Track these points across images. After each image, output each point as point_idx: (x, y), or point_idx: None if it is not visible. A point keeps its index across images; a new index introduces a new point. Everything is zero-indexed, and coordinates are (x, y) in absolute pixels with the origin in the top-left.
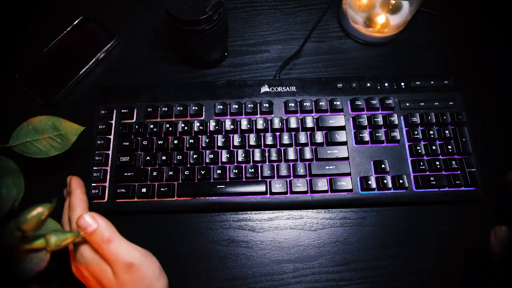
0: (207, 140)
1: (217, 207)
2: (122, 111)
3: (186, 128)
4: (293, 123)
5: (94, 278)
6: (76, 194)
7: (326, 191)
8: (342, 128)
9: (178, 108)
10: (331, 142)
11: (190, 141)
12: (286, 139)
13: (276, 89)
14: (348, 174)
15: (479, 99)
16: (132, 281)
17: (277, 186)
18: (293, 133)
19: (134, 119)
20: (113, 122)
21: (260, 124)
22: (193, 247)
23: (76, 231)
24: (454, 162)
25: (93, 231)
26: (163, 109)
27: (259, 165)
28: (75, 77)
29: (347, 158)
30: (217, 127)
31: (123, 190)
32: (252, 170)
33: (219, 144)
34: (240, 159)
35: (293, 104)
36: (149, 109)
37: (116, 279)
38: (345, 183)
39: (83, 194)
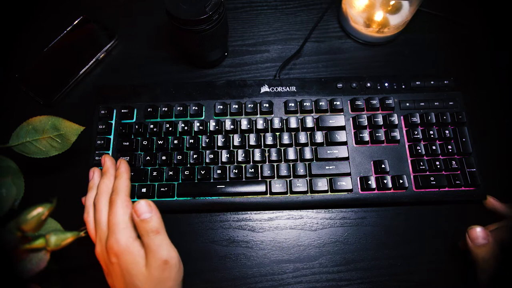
0: (207, 140)
1: (217, 207)
2: (122, 111)
3: (186, 128)
4: (293, 123)
5: (122, 265)
6: (124, 179)
7: (326, 191)
8: (342, 128)
9: (178, 108)
10: (331, 142)
11: (190, 141)
12: (286, 139)
13: (276, 89)
14: (348, 174)
15: (479, 99)
16: (160, 278)
17: (277, 186)
18: (293, 133)
19: (134, 119)
20: (113, 122)
21: (260, 124)
22: (193, 247)
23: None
24: (454, 162)
25: (146, 219)
26: (163, 109)
27: (259, 165)
28: (75, 77)
29: (347, 158)
30: (217, 127)
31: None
32: (252, 170)
33: (219, 144)
34: (240, 159)
35: (293, 104)
36: (149, 109)
37: (147, 271)
38: (345, 183)
39: (129, 180)
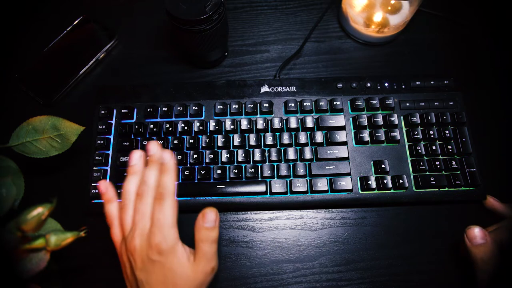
0: (207, 140)
1: (217, 207)
2: (122, 111)
3: (186, 128)
4: (293, 123)
5: (167, 264)
6: (172, 176)
7: (326, 191)
8: (342, 128)
9: (178, 108)
10: (331, 142)
11: (190, 141)
12: (286, 139)
13: (276, 89)
14: (348, 174)
15: (479, 99)
16: (202, 282)
17: (277, 186)
18: (293, 133)
19: (134, 119)
20: (113, 122)
21: (260, 124)
22: (193, 247)
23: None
24: (454, 162)
25: (211, 228)
26: (163, 109)
27: (259, 165)
28: (75, 77)
29: (347, 158)
30: (217, 127)
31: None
32: (252, 170)
33: (219, 144)
34: (240, 159)
35: (293, 104)
36: (149, 109)
37: (193, 273)
38: (345, 183)
39: (176, 177)
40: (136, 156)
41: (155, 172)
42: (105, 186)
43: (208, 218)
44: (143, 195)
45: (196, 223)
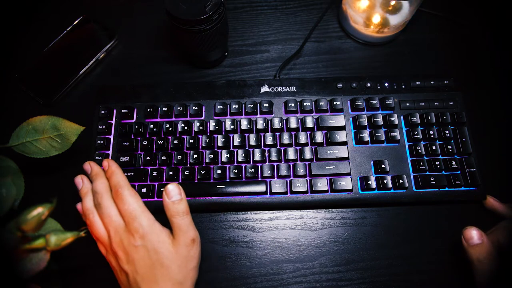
0: (207, 140)
1: (217, 207)
2: (122, 111)
3: (186, 128)
4: (293, 123)
5: (149, 245)
6: (120, 174)
7: (326, 191)
8: (342, 128)
9: (178, 108)
10: (331, 142)
11: (190, 141)
12: (286, 139)
13: (276, 89)
14: (348, 174)
15: (479, 99)
16: (187, 256)
17: (277, 186)
18: (293, 133)
19: (134, 119)
20: (113, 122)
21: (260, 124)
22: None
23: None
24: (454, 162)
25: (177, 200)
26: (163, 109)
27: (259, 165)
28: (75, 77)
29: (347, 158)
30: (217, 127)
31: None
32: (252, 170)
33: (219, 144)
34: (240, 159)
35: (293, 104)
36: (149, 109)
37: (174, 249)
38: (345, 183)
39: (124, 175)
40: (79, 180)
41: (101, 180)
42: (80, 209)
43: (172, 192)
44: (100, 201)
45: (163, 202)
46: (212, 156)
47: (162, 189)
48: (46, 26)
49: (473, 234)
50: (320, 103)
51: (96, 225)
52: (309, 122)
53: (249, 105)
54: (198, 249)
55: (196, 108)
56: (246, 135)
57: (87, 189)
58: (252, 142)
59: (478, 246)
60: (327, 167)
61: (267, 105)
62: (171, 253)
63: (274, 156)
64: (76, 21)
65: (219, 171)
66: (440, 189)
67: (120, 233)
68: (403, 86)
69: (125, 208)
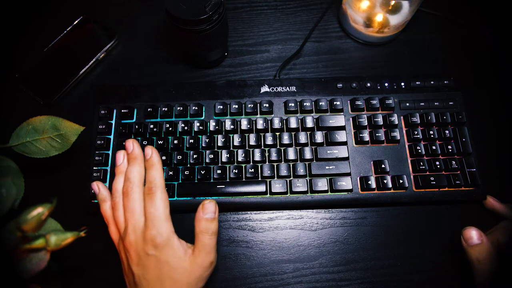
0: (207, 140)
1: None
2: (122, 111)
3: (186, 128)
4: (293, 123)
5: (162, 258)
6: (160, 170)
7: (326, 191)
8: (342, 128)
9: (178, 108)
10: (331, 142)
11: (190, 141)
12: (286, 139)
13: (276, 89)
14: (348, 174)
15: (479, 99)
16: (200, 277)
17: (277, 186)
18: (293, 133)
19: (134, 119)
20: (113, 122)
21: (260, 124)
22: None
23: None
24: (454, 162)
25: (211, 219)
26: (163, 109)
27: (259, 165)
28: (75, 77)
29: (347, 158)
30: (217, 127)
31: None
32: (252, 170)
33: (219, 144)
34: (240, 159)
35: (293, 104)
36: (149, 109)
37: (190, 266)
38: (345, 183)
39: (163, 171)
40: (121, 156)
41: (137, 168)
42: (97, 187)
43: (208, 209)
44: (129, 192)
45: (196, 215)
46: (212, 156)
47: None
48: (46, 26)
49: (473, 234)
50: (320, 103)
51: (118, 212)
52: (309, 122)
53: (249, 105)
54: (211, 272)
55: (196, 108)
56: (246, 135)
57: (123, 168)
58: (252, 142)
59: (477, 246)
60: (327, 167)
61: (267, 105)
62: (185, 270)
63: (274, 156)
64: (76, 21)
65: (219, 171)
66: (440, 189)
67: (137, 234)
68: (403, 86)
69: (151, 211)
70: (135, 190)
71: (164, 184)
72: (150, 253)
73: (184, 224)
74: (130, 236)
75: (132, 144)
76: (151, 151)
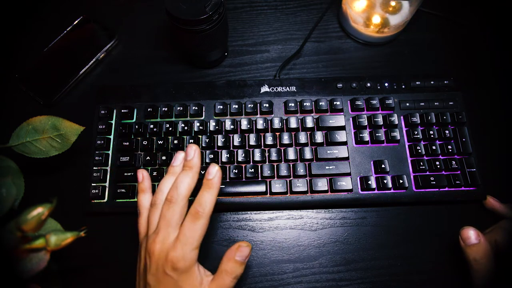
0: (207, 140)
1: (217, 207)
2: (122, 111)
3: (186, 128)
4: (293, 123)
5: (179, 282)
6: (214, 195)
7: (326, 191)
8: (342, 128)
9: (178, 108)
10: (331, 142)
11: (190, 141)
12: (286, 139)
13: (276, 89)
14: (348, 174)
15: (479, 99)
16: None
17: (277, 186)
18: (293, 133)
19: (134, 119)
20: (113, 122)
21: (260, 124)
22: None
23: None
24: (454, 162)
25: (243, 262)
26: (163, 109)
27: (259, 165)
28: (75, 77)
29: (347, 158)
30: (217, 127)
31: (123, 190)
32: (252, 170)
33: (219, 144)
34: (240, 159)
35: (293, 104)
36: (149, 109)
37: None
38: (345, 183)
39: (216, 197)
40: (180, 158)
41: (189, 180)
42: (142, 176)
43: (243, 253)
44: (172, 201)
45: (228, 253)
46: (212, 156)
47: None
48: (46, 26)
49: (470, 234)
50: (320, 103)
51: (155, 214)
52: (309, 122)
53: (249, 105)
54: None
55: (196, 108)
56: (246, 135)
57: (176, 171)
58: (252, 142)
59: (475, 246)
60: (327, 167)
61: (267, 105)
62: None
63: (274, 156)
64: (76, 21)
65: None
66: (440, 189)
67: (163, 246)
68: (403, 86)
69: (186, 234)
70: (179, 203)
71: (212, 212)
72: (168, 273)
73: None
74: (157, 244)
75: (194, 152)
76: (215, 171)
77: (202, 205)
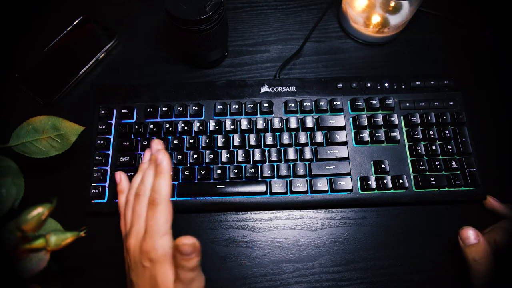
0: (207, 140)
1: (217, 207)
2: (122, 111)
3: (186, 128)
4: (293, 123)
5: (153, 273)
6: (166, 179)
7: (326, 191)
8: (342, 128)
9: (178, 108)
10: (331, 142)
11: (190, 141)
12: (286, 139)
13: (276, 89)
14: (348, 174)
15: (479, 99)
16: None
17: (277, 186)
18: (293, 133)
19: (134, 119)
20: (113, 122)
21: (260, 124)
22: None
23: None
24: (454, 162)
25: (187, 258)
26: (163, 109)
27: (259, 165)
28: (75, 77)
29: (347, 158)
30: (217, 127)
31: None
32: (252, 170)
33: (219, 144)
34: (240, 159)
35: (293, 104)
36: (149, 109)
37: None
38: (345, 183)
39: (171, 180)
40: (148, 154)
41: (153, 173)
42: (119, 177)
43: (185, 251)
44: (140, 195)
45: (173, 253)
46: (212, 156)
47: None
48: (46, 26)
49: (469, 234)
50: (320, 103)
51: (128, 211)
52: (309, 122)
53: (249, 105)
54: None
55: (196, 108)
56: (246, 135)
57: (144, 167)
58: (252, 142)
59: (474, 246)
60: (327, 167)
61: (267, 105)
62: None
63: (274, 156)
64: (76, 21)
65: (219, 171)
66: (440, 189)
67: (137, 240)
68: (403, 86)
69: (150, 223)
70: (145, 195)
71: (170, 196)
72: (145, 265)
73: (183, 225)
74: (132, 239)
75: (156, 145)
76: (163, 157)
77: (157, 191)
